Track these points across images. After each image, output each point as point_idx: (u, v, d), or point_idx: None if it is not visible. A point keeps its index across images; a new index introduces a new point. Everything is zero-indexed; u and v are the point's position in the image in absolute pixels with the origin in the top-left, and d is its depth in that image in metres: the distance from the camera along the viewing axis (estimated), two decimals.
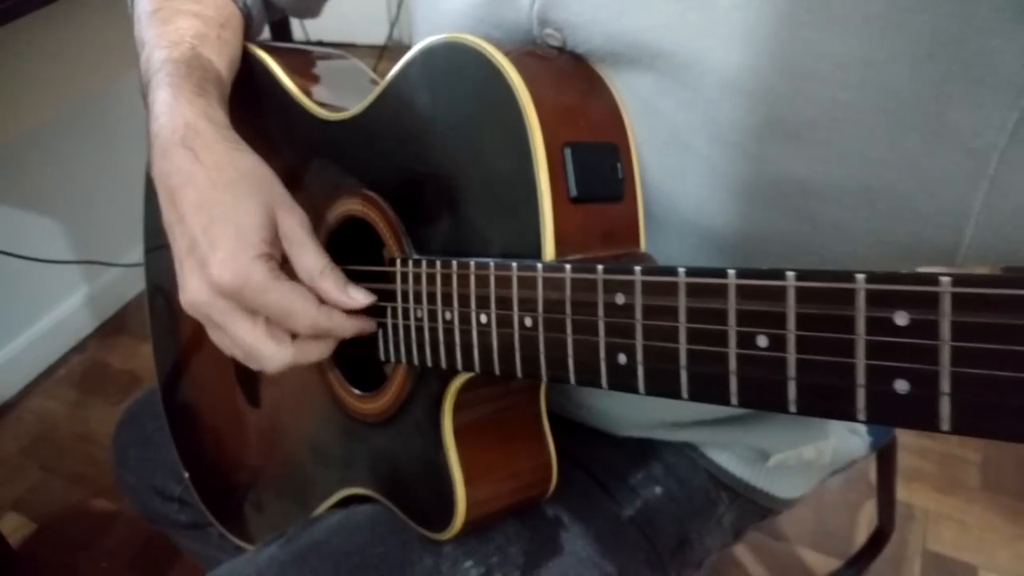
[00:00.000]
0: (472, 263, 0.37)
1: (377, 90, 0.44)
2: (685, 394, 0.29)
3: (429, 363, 0.41)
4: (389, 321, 0.44)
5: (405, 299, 0.42)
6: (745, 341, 0.27)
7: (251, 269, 0.39)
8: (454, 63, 0.39)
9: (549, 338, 0.34)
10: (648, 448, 0.55)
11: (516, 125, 0.36)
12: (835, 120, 0.33)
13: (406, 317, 0.42)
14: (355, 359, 0.50)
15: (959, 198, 0.32)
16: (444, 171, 0.40)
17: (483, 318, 0.37)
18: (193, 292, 0.40)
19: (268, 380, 0.58)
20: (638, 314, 0.30)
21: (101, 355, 1.57)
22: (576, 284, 0.33)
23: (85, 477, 1.30)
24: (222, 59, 0.49)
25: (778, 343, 0.26)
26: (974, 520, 1.14)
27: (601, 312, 0.32)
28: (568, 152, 0.36)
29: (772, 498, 0.57)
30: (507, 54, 0.37)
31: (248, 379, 0.60)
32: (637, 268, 0.30)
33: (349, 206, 0.48)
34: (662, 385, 0.30)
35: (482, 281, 0.37)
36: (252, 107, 0.54)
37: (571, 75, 0.39)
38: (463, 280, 0.38)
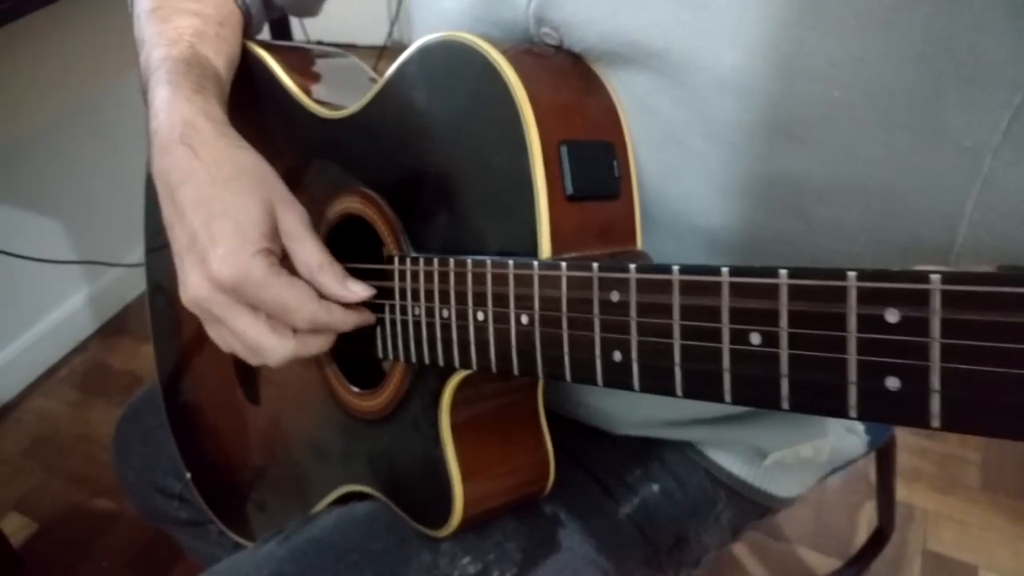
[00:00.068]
0: (469, 261, 0.38)
1: (375, 88, 0.44)
2: (679, 391, 0.30)
3: (427, 360, 0.41)
4: (387, 319, 0.44)
5: (403, 297, 0.42)
6: (738, 338, 0.27)
7: (251, 265, 0.39)
8: (451, 61, 0.39)
9: (545, 335, 0.34)
10: (646, 446, 0.55)
11: (512, 123, 0.36)
12: (829, 119, 0.33)
13: (404, 315, 0.43)
14: (354, 357, 0.50)
15: (952, 197, 0.32)
16: (441, 169, 0.40)
17: (480, 316, 0.37)
18: (193, 287, 0.40)
19: (268, 378, 0.58)
20: (633, 311, 0.30)
21: (102, 356, 1.57)
22: (572, 282, 0.33)
23: (86, 477, 1.30)
24: (221, 57, 0.49)
25: (771, 340, 0.26)
26: (974, 520, 1.14)
27: (596, 309, 0.32)
28: (564, 150, 0.36)
29: (770, 496, 0.57)
30: (504, 52, 0.37)
31: (248, 377, 0.60)
32: (632, 266, 0.30)
33: (348, 204, 0.48)
34: (656, 382, 0.30)
35: (479, 279, 0.37)
36: (251, 105, 0.55)
37: (568, 73, 0.39)
38: (460, 278, 0.38)
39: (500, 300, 0.36)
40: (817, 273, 0.25)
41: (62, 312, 1.55)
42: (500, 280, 0.36)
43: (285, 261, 0.42)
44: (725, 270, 0.27)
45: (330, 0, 0.64)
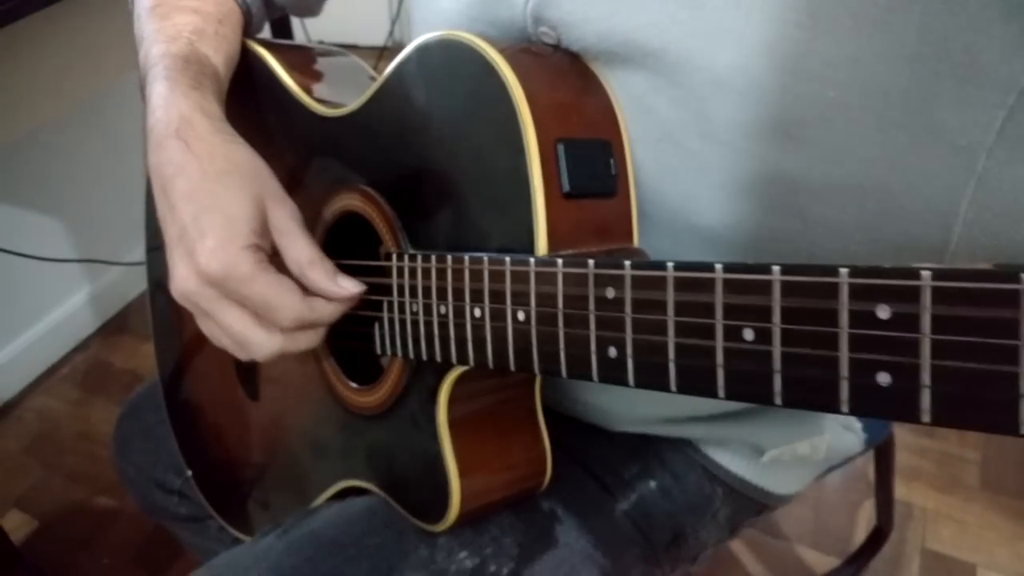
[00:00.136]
0: (466, 258, 0.38)
1: (374, 87, 0.45)
2: (673, 387, 0.30)
3: (424, 356, 0.42)
4: (385, 315, 0.44)
5: (401, 293, 0.43)
6: (732, 334, 0.27)
7: (238, 259, 0.39)
8: (449, 60, 0.39)
9: (541, 332, 0.35)
10: (643, 443, 0.55)
11: (509, 121, 0.36)
12: (825, 119, 0.33)
13: (401, 311, 0.43)
14: (352, 353, 0.50)
15: (947, 196, 0.32)
16: (439, 167, 0.41)
17: (477, 312, 0.38)
18: (181, 280, 0.40)
19: (267, 375, 0.59)
20: (628, 308, 0.31)
21: (103, 354, 1.57)
22: (568, 278, 0.33)
23: (87, 475, 1.30)
24: (219, 54, 0.50)
25: (764, 336, 0.27)
26: (973, 519, 1.14)
27: (592, 306, 0.32)
28: (561, 148, 0.36)
29: (767, 494, 0.57)
30: (501, 51, 0.37)
31: (247, 374, 0.60)
32: (627, 263, 0.31)
33: (346, 201, 0.48)
34: (651, 378, 0.31)
35: (476, 275, 0.37)
36: (251, 103, 0.55)
37: (565, 72, 0.40)
38: (457, 274, 0.38)
39: (497, 297, 0.36)
40: (809, 269, 0.25)
41: (63, 310, 1.56)
42: (497, 277, 0.36)
43: (276, 258, 0.42)
44: (719, 267, 0.28)
45: (331, 0, 0.64)
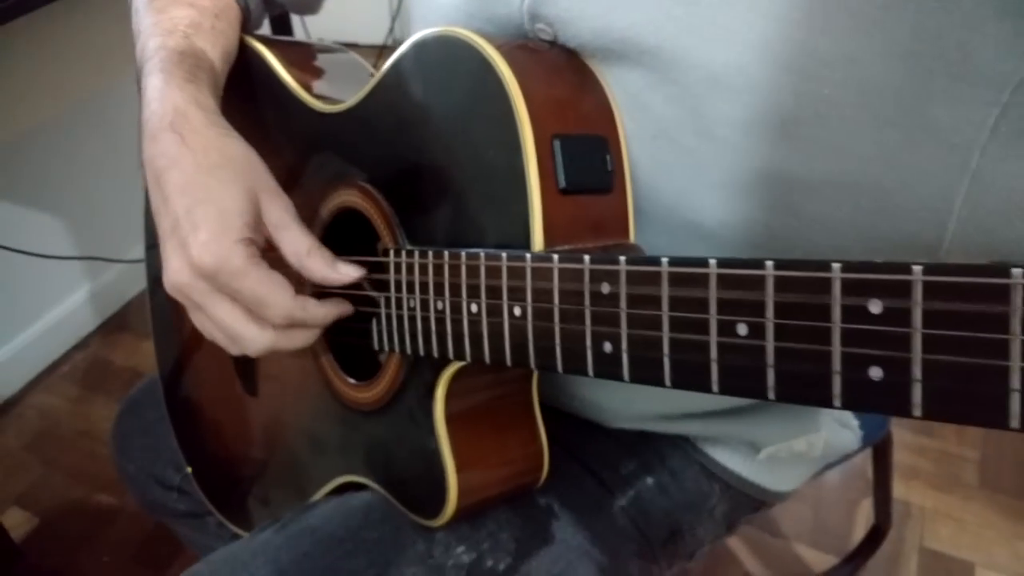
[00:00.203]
0: (463, 253, 0.38)
1: (371, 83, 0.45)
2: (668, 381, 0.30)
3: (421, 352, 0.42)
4: (382, 311, 0.45)
5: (398, 289, 0.43)
6: (725, 329, 0.28)
7: (231, 252, 0.39)
8: (446, 56, 0.39)
9: (537, 327, 0.35)
10: (641, 440, 0.55)
11: (506, 117, 0.36)
12: (819, 116, 0.33)
13: (399, 307, 0.43)
14: (350, 348, 0.50)
15: (941, 193, 0.32)
16: (436, 163, 0.41)
17: (474, 308, 0.38)
18: (174, 273, 0.40)
19: (266, 371, 0.59)
20: (623, 303, 0.31)
21: (104, 352, 1.58)
22: (563, 274, 0.33)
23: (87, 472, 1.31)
24: (216, 49, 0.50)
25: (757, 331, 0.27)
26: (972, 518, 1.14)
27: (587, 301, 0.32)
28: (557, 144, 0.37)
29: (764, 490, 0.57)
30: (498, 47, 0.37)
31: (246, 370, 0.61)
32: (622, 258, 0.31)
33: (344, 197, 0.48)
34: (646, 373, 0.31)
35: (473, 271, 0.38)
36: (249, 99, 0.55)
37: (562, 69, 0.40)
38: (454, 270, 0.39)
39: (493, 292, 0.37)
40: (802, 265, 0.25)
41: (63, 308, 1.56)
42: (493, 272, 0.36)
43: (271, 253, 0.42)
44: (713, 262, 0.28)
45: None
